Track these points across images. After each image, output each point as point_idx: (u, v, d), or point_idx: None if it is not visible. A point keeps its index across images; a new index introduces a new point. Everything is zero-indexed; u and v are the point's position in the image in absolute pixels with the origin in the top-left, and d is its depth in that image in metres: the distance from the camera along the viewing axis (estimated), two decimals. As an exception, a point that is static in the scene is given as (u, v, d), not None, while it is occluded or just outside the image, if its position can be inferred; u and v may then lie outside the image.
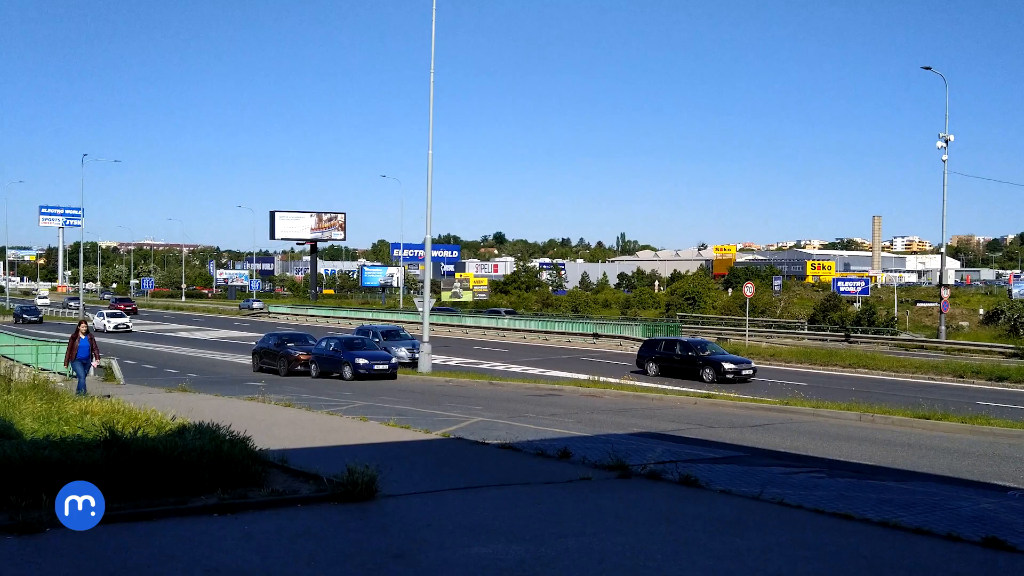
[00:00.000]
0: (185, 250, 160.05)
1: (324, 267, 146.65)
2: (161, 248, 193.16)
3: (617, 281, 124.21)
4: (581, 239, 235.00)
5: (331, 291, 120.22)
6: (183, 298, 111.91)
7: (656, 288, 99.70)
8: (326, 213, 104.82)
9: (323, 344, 30.10)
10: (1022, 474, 11.18)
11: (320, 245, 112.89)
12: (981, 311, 60.42)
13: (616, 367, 31.40)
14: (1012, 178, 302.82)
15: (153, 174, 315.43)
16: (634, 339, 43.68)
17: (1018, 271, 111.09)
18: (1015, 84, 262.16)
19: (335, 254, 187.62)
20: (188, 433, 8.90)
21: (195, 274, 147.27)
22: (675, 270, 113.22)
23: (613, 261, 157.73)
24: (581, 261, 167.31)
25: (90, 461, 7.49)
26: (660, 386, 25.13)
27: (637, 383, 25.62)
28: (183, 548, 6.38)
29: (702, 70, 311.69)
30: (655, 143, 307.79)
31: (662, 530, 7.49)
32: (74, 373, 20.15)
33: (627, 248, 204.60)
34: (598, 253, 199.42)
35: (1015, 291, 65.96)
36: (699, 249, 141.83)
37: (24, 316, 68.31)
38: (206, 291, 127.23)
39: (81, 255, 74.80)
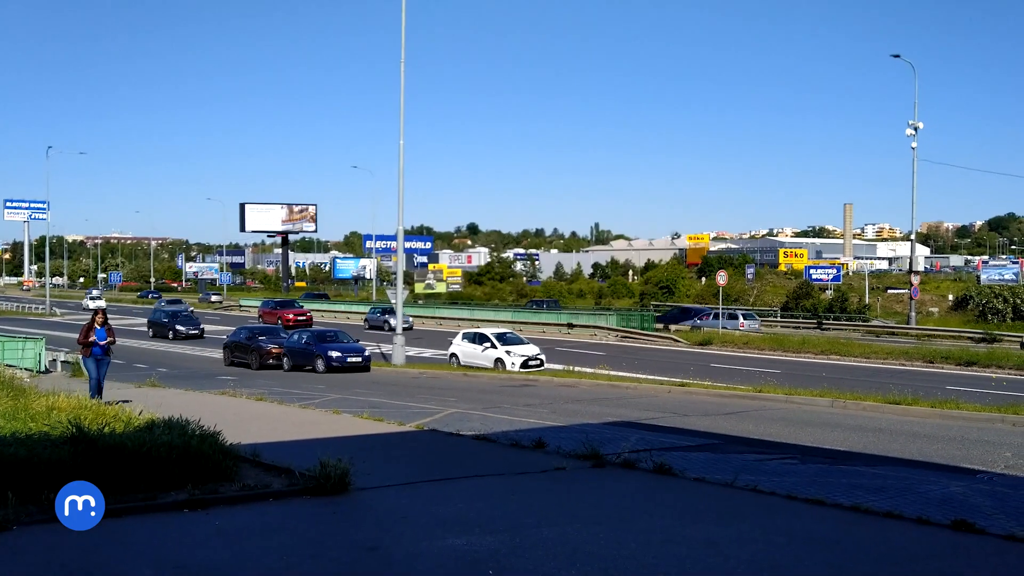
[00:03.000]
0: (153, 243, 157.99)
1: (296, 259, 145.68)
2: (129, 241, 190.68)
3: (591, 271, 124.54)
4: (555, 229, 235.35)
5: (303, 283, 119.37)
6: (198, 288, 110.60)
7: (630, 278, 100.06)
8: (297, 205, 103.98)
9: (295, 337, 29.89)
10: (991, 457, 11.33)
11: (291, 237, 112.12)
12: (950, 297, 61.26)
13: (591, 357, 31.47)
14: (980, 165, 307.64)
15: (120, 166, 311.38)
16: (608, 328, 43.81)
17: (986, 257, 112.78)
18: (983, 71, 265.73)
19: (307, 246, 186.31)
20: (157, 428, 8.76)
21: (164, 268, 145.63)
22: (649, 259, 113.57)
23: (587, 251, 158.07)
24: (555, 251, 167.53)
25: (56, 458, 7.35)
26: (635, 375, 25.21)
27: (612, 372, 25.68)
28: (152, 544, 6.29)
29: (674, 60, 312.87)
30: (628, 133, 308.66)
31: (637, 518, 7.50)
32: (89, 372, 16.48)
33: (601, 238, 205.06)
34: (572, 243, 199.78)
35: (983, 277, 66.89)
36: (673, 238, 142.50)
37: (176, 328, 45.42)
38: (175, 285, 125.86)
39: (47, 249, 73.76)
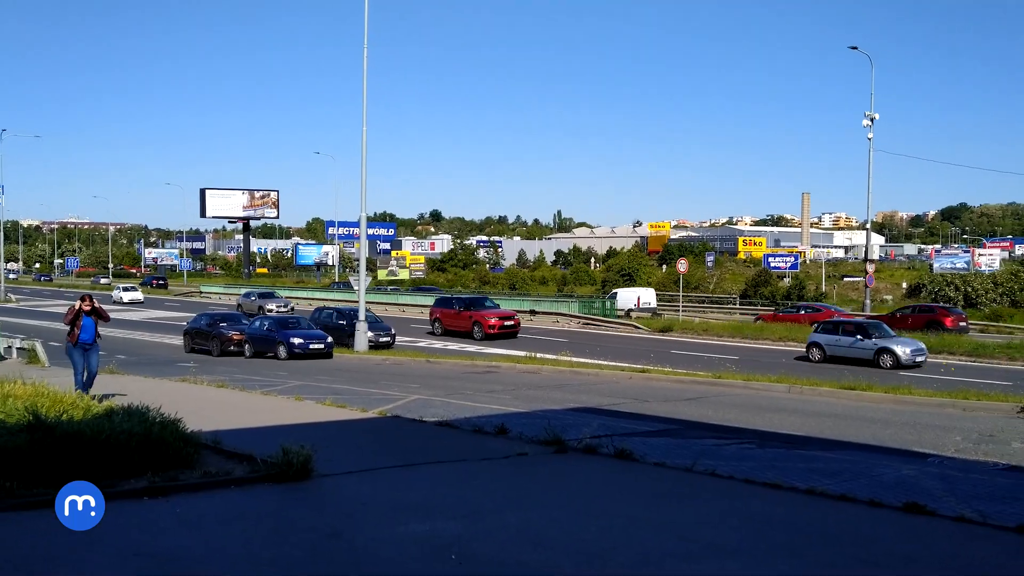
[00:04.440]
0: (112, 228, 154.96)
1: (257, 245, 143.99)
2: (86, 227, 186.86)
3: (554, 258, 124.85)
4: (518, 216, 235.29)
5: (265, 270, 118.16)
6: (110, 278, 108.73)
7: (592, 265, 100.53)
8: (259, 191, 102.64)
9: (257, 324, 29.61)
10: (941, 441, 11.64)
11: (253, 223, 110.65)
12: (904, 285, 62.44)
13: (553, 343, 31.63)
14: (934, 156, 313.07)
15: (77, 151, 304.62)
16: (570, 315, 44.00)
17: (939, 246, 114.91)
18: (938, 63, 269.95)
19: (268, 232, 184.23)
20: (116, 416, 8.67)
21: (123, 253, 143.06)
22: (611, 247, 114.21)
23: (550, 238, 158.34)
24: (518, 239, 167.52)
25: (12, 446, 7.25)
26: (596, 361, 25.40)
27: (575, 358, 25.82)
28: (112, 533, 6.23)
29: (637, 50, 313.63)
30: (590, 121, 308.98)
31: (598, 503, 7.60)
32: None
33: (563, 225, 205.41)
34: (535, 231, 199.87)
35: (936, 266, 68.20)
36: (634, 226, 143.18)
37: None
38: (134, 270, 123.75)
39: (1, 234, 71.94)
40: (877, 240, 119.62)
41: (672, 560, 5.88)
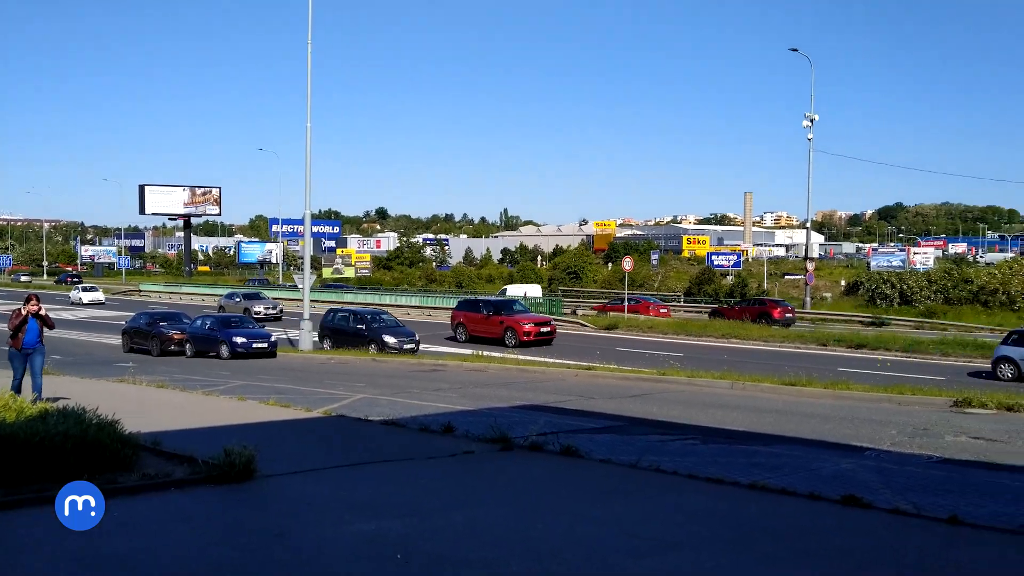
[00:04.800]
0: (46, 225, 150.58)
1: (199, 243, 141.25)
2: (19, 223, 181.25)
3: (501, 256, 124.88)
4: (465, 214, 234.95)
5: (206, 268, 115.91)
6: (44, 276, 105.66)
7: (539, 263, 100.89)
8: (200, 187, 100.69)
9: (199, 323, 29.06)
10: (878, 435, 11.94)
11: (194, 220, 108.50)
12: (843, 283, 63.96)
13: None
14: (872, 157, 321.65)
15: (7, 144, 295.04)
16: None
17: (876, 245, 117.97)
18: (875, 65, 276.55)
19: (210, 230, 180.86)
20: (51, 418, 8.42)
21: (58, 251, 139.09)
22: (557, 245, 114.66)
23: (496, 236, 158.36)
24: (465, 236, 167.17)
25: (-60, 450, 7.00)
26: (543, 359, 25.50)
27: (521, 356, 25.90)
28: (47, 538, 6.06)
29: (581, 49, 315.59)
30: (536, 120, 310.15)
31: (544, 500, 7.63)
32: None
33: (510, 224, 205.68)
34: (481, 229, 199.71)
35: (873, 264, 70.00)
36: (580, 224, 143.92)
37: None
38: (70, 268, 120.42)
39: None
40: (817, 239, 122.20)
41: (618, 556, 5.93)
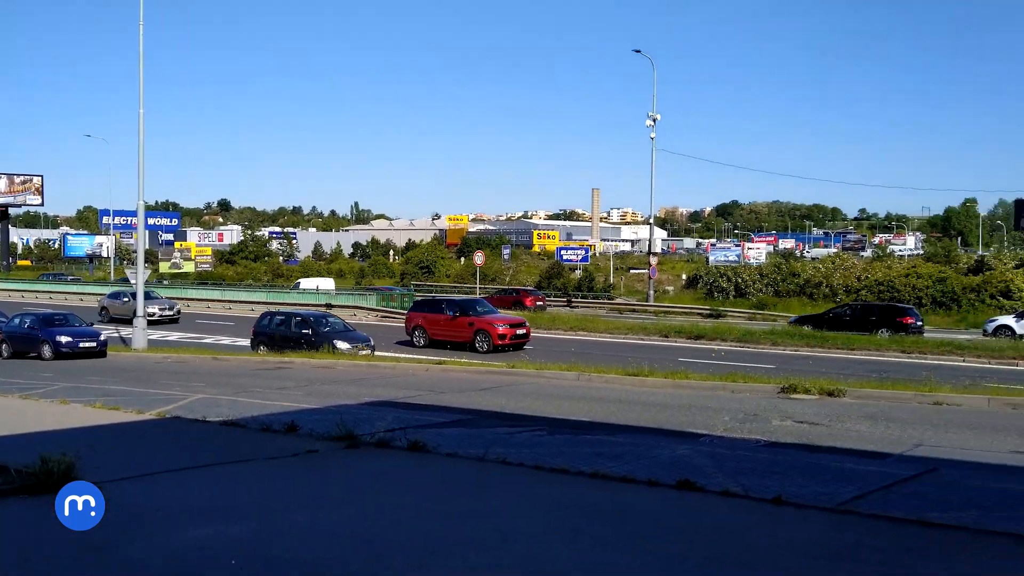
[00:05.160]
0: None
1: (19, 235, 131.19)
2: None
3: (352, 250, 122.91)
4: (314, 207, 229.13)
5: (27, 262, 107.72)
6: None
7: (391, 257, 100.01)
8: (19, 175, 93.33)
9: (17, 321, 26.96)
10: (712, 422, 12.49)
11: (13, 211, 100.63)
12: (684, 277, 66.91)
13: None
14: (711, 156, 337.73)
15: None
16: (368, 309, 43.53)
17: (714, 241, 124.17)
18: (714, 67, 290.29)
19: (32, 221, 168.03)
20: None
21: None
22: (410, 239, 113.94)
23: (347, 230, 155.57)
24: (314, 230, 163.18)
25: None
26: (394, 355, 25.24)
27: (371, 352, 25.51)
28: None
29: (434, 43, 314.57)
30: (388, 113, 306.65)
31: (389, 497, 7.51)
32: None
33: (361, 217, 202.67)
34: (332, 222, 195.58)
35: (712, 259, 73.67)
36: (433, 219, 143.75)
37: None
38: None
39: None
40: (660, 234, 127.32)
41: (461, 548, 5.91)
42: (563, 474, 8.20)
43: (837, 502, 7.36)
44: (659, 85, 48.91)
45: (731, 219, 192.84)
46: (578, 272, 67.93)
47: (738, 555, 5.80)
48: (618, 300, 54.72)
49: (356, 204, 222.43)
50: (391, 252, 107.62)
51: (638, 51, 49.15)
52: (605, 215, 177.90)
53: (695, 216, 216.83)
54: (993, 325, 33.70)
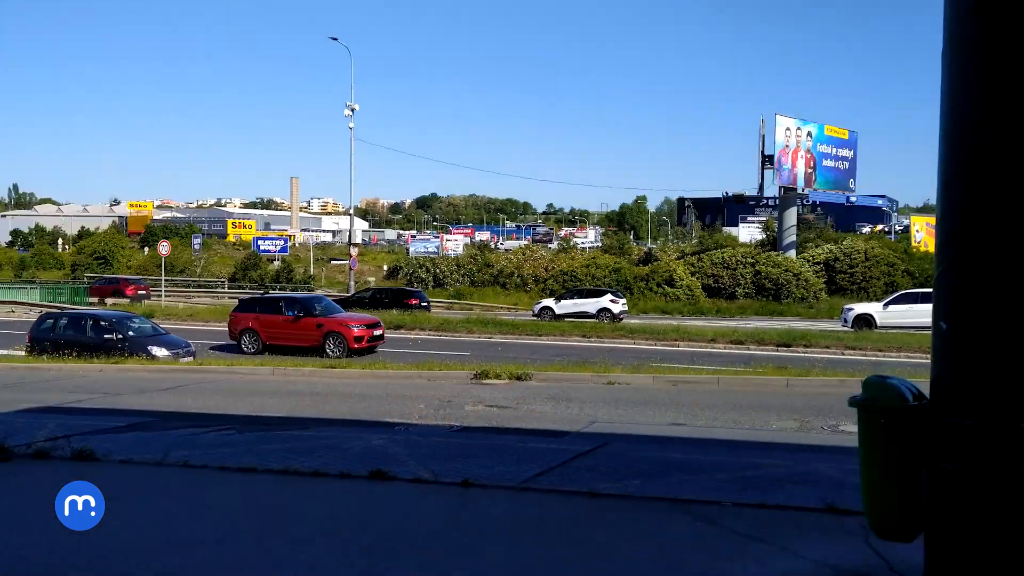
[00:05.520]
0: None
1: None
2: None
3: (10, 239, 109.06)
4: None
5: None
6: None
7: (60, 247, 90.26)
8: None
9: None
10: (408, 410, 12.63)
11: None
12: (385, 267, 67.40)
13: (6, 337, 27.52)
14: (411, 148, 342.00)
15: None
16: (31, 304, 38.91)
17: (414, 232, 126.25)
18: (417, 61, 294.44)
19: None
20: None
21: None
22: (84, 227, 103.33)
23: (5, 216, 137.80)
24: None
25: None
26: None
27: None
28: None
29: (126, 19, 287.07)
30: (55, 87, 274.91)
31: (41, 514, 6.68)
32: None
33: (22, 201, 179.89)
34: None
35: (412, 250, 74.83)
36: (112, 205, 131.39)
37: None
38: None
39: None
40: (361, 225, 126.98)
41: (127, 565, 5.39)
42: (251, 473, 7.84)
43: (520, 480, 7.75)
44: (359, 77, 48.89)
45: (431, 211, 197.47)
46: (277, 263, 65.86)
47: (422, 541, 5.86)
48: (318, 291, 53.80)
49: (15, 186, 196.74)
50: (61, 241, 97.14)
51: (335, 39, 48.48)
52: (305, 205, 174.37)
53: (396, 208, 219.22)
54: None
